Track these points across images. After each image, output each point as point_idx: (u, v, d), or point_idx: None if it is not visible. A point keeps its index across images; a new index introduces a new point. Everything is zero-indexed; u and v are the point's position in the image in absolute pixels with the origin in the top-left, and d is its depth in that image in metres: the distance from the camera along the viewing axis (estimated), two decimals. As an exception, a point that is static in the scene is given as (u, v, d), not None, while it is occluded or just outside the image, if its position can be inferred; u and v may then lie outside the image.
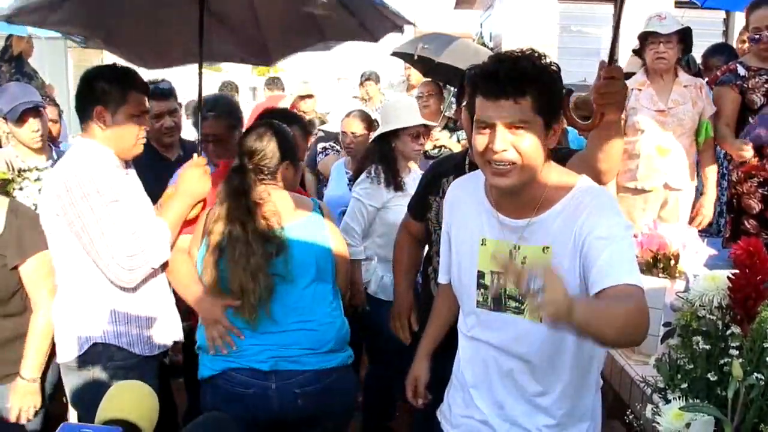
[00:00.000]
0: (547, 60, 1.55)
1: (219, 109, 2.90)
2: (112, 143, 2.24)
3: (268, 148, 2.21)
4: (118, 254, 2.10)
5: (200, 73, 2.64)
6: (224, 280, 2.15)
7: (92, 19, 2.63)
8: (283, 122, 2.39)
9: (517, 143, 1.51)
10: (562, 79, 1.60)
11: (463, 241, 1.77)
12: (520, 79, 1.48)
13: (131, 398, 1.49)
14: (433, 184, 2.37)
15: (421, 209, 2.42)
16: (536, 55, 1.53)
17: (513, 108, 1.49)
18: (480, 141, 1.54)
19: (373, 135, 3.47)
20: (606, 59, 1.79)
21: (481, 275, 1.70)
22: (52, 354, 2.33)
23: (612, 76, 1.70)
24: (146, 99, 2.33)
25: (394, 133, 3.22)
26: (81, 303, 2.21)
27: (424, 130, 3.31)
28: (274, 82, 7.42)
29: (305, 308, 2.17)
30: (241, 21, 2.91)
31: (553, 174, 1.64)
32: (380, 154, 3.23)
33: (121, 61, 2.80)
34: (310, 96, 6.11)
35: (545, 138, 1.55)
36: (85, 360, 2.20)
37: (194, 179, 2.34)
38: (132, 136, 2.27)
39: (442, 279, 1.96)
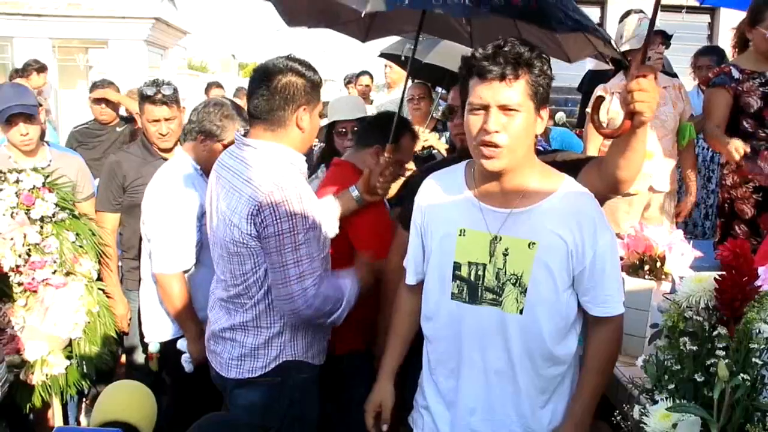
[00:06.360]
0: (536, 51, 1.60)
1: None
2: (304, 145, 2.02)
3: None
4: (307, 286, 1.94)
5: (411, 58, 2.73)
6: None
7: None
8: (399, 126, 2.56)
9: (508, 126, 1.55)
10: (551, 68, 1.64)
11: (438, 233, 1.76)
12: (516, 63, 1.53)
13: (130, 399, 1.46)
14: None
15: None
16: (529, 45, 1.59)
17: (507, 90, 1.53)
18: (474, 122, 1.58)
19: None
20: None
21: (457, 266, 1.70)
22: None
23: (644, 75, 1.60)
24: None
25: (332, 128, 3.37)
26: (275, 321, 2.05)
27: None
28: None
29: None
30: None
31: (537, 166, 1.68)
32: (327, 148, 3.42)
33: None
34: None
35: (533, 123, 1.59)
36: (272, 375, 2.06)
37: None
38: (314, 136, 2.10)
39: (411, 279, 1.90)
